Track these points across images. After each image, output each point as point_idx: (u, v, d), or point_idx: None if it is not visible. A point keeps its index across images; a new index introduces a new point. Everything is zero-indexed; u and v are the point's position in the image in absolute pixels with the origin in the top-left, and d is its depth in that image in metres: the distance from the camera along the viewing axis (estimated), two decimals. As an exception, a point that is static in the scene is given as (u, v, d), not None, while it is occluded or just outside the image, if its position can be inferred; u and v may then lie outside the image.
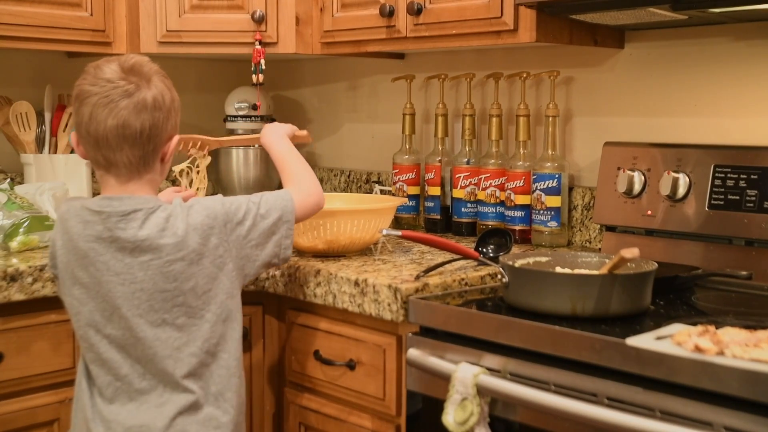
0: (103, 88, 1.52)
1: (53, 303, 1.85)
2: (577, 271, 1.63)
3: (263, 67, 2.34)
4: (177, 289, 1.54)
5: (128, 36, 2.37)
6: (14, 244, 2.00)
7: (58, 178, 2.38)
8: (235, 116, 2.72)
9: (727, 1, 1.69)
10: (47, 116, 2.46)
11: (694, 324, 1.39)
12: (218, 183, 2.74)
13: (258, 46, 2.34)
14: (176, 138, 1.60)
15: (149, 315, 1.53)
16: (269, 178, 2.72)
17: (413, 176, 2.44)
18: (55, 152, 2.44)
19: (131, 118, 1.52)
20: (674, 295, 1.69)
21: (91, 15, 2.31)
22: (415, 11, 2.09)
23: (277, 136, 1.88)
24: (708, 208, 1.88)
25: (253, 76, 2.35)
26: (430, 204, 2.40)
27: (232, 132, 2.74)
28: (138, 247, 1.52)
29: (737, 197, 1.83)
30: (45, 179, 2.37)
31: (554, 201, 2.15)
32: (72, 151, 2.45)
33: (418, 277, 1.72)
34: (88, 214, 1.54)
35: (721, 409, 1.22)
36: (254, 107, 2.68)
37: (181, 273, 1.53)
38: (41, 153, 2.44)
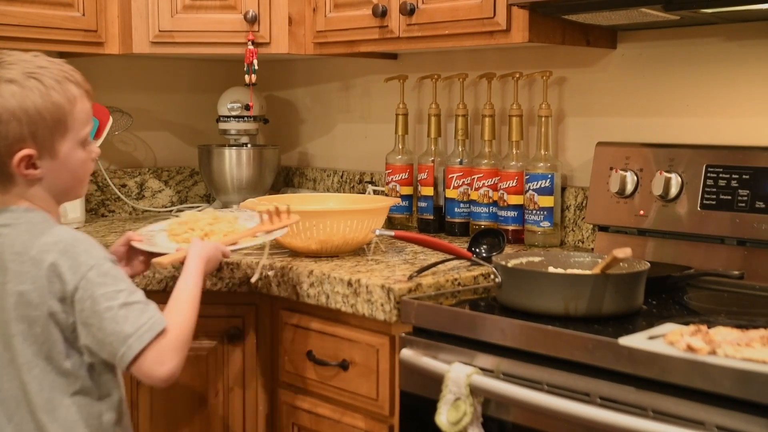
0: None
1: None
2: (569, 271, 1.63)
3: (256, 67, 2.34)
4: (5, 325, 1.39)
5: (120, 36, 2.36)
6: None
7: (50, 179, 2.37)
8: (227, 116, 2.71)
9: (718, 1, 1.70)
10: (39, 116, 2.45)
11: (687, 323, 1.39)
12: (211, 183, 2.74)
13: (251, 47, 2.33)
14: (23, 152, 1.39)
15: None
16: (262, 178, 2.72)
17: (406, 176, 2.44)
18: (47, 153, 2.43)
19: None
20: (666, 295, 1.70)
21: (83, 15, 2.30)
22: (408, 11, 2.09)
23: (196, 254, 1.58)
24: (700, 207, 1.88)
25: (246, 76, 2.34)
26: (423, 204, 2.40)
27: (225, 132, 2.74)
28: None
29: (729, 197, 1.84)
30: (37, 180, 2.36)
31: (547, 201, 2.15)
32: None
33: (411, 278, 1.72)
34: None
35: (713, 409, 1.22)
36: (247, 107, 2.68)
37: (14, 310, 1.38)
38: (33, 153, 2.43)
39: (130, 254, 1.69)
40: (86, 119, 1.47)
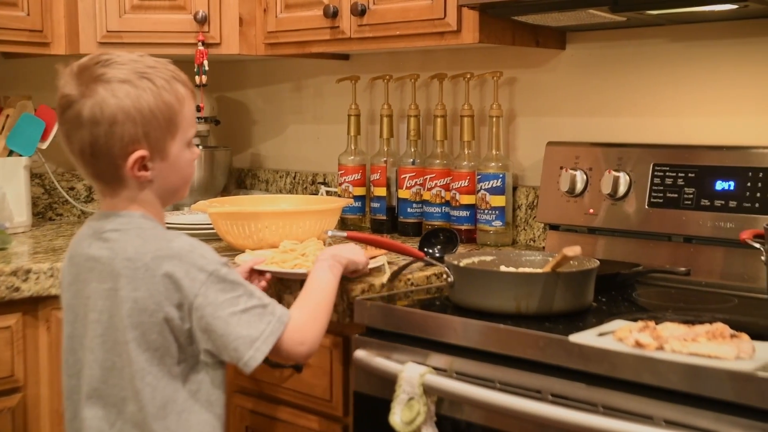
0: (58, 94, 1.38)
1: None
2: (521, 269, 1.64)
3: (206, 68, 2.32)
4: (115, 333, 1.36)
5: (67, 36, 2.32)
6: (-51, 250, 1.95)
7: (-5, 182, 2.32)
8: (178, 118, 2.68)
9: (663, 3, 1.73)
10: (-17, 118, 2.40)
11: (635, 320, 1.42)
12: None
13: (201, 47, 2.31)
14: (138, 154, 1.35)
15: (98, 353, 1.38)
16: (214, 180, 2.70)
17: (359, 177, 2.44)
18: (-8, 155, 2.38)
19: (71, 134, 1.36)
20: (616, 292, 1.72)
21: (28, 15, 2.26)
22: (359, 12, 2.09)
23: (326, 264, 1.59)
24: (648, 206, 1.91)
25: (196, 77, 2.32)
26: (375, 205, 2.40)
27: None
28: (99, 270, 1.38)
29: (676, 195, 1.87)
30: (-19, 183, 2.31)
31: (499, 200, 2.17)
32: (9, 154, 2.39)
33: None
34: (84, 230, 1.45)
35: (661, 403, 1.24)
36: (198, 109, 2.64)
37: (128, 317, 1.35)
38: (-23, 156, 2.38)
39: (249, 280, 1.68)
40: (193, 119, 1.44)
